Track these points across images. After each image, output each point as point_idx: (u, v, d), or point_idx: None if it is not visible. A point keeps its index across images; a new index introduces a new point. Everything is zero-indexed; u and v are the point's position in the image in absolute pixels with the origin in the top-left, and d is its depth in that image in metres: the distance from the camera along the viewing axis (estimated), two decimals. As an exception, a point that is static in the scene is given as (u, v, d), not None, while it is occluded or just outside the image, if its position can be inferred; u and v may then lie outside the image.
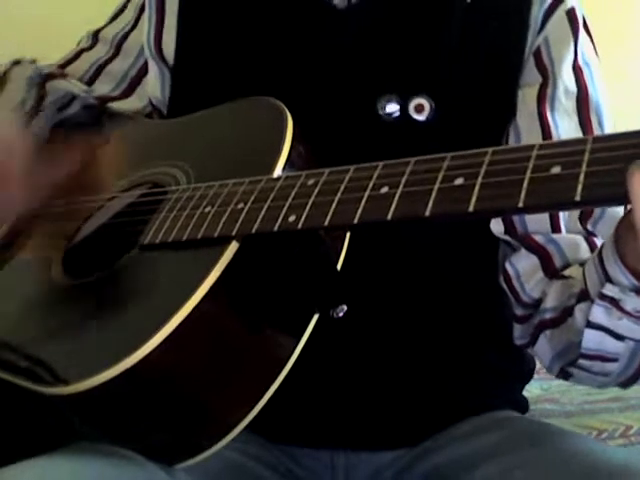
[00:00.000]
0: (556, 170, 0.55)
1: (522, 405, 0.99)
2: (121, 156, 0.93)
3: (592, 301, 0.75)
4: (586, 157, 0.54)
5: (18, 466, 0.68)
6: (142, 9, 1.02)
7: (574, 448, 0.79)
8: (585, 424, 1.32)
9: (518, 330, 0.90)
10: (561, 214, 0.87)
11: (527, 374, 1.01)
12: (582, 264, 0.81)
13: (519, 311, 0.89)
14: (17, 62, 1.07)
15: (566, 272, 0.85)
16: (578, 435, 0.92)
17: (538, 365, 1.00)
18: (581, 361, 0.79)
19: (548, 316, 0.84)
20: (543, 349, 0.86)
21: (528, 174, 0.56)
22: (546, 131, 0.88)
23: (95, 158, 0.93)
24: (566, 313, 0.81)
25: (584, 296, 0.77)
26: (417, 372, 0.90)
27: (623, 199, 0.54)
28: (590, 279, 0.76)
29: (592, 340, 0.76)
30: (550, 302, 0.84)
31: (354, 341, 0.87)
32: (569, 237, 0.87)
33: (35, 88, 1.03)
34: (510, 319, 0.92)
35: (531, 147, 0.58)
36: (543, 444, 0.81)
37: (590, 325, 0.76)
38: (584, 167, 0.54)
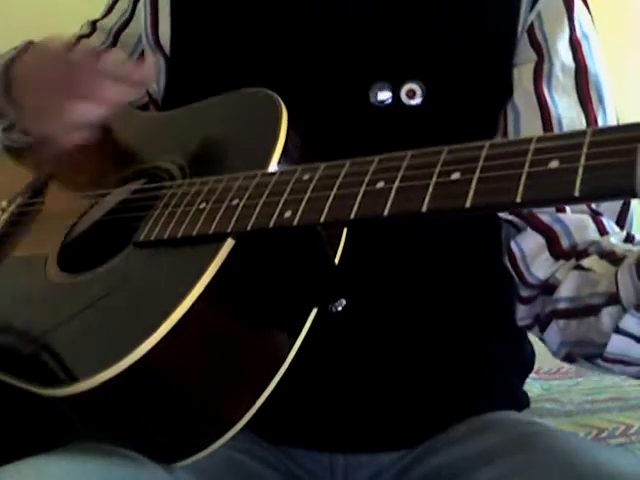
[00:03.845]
0: (554, 164, 0.54)
1: (522, 401, 0.98)
2: (116, 150, 0.93)
3: (624, 308, 0.74)
4: (585, 150, 0.53)
5: (17, 465, 0.68)
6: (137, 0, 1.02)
7: (575, 452, 0.78)
8: (585, 423, 1.32)
9: (521, 311, 0.90)
10: None
11: (526, 368, 1.01)
12: (610, 261, 0.80)
13: (524, 292, 0.89)
14: (31, 43, 1.05)
15: (585, 263, 0.83)
16: (579, 438, 0.91)
17: (538, 365, 1.00)
18: (600, 362, 0.79)
19: (562, 306, 0.83)
20: (552, 335, 0.85)
21: (526, 168, 0.55)
22: (545, 110, 0.88)
23: (90, 153, 0.93)
24: (588, 310, 0.80)
25: (614, 300, 0.76)
26: (417, 369, 0.90)
27: (623, 193, 0.53)
28: (624, 287, 0.75)
29: (618, 346, 0.76)
30: (565, 292, 0.83)
31: (353, 336, 0.87)
32: (576, 217, 0.86)
33: None
34: (508, 310, 0.92)
35: (529, 140, 0.57)
36: (543, 448, 0.80)
37: (619, 331, 0.75)
38: (583, 161, 0.53)
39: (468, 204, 0.57)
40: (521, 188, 0.55)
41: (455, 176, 0.58)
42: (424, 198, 0.59)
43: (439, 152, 0.61)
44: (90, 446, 0.72)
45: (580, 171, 0.53)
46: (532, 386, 1.35)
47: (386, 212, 0.61)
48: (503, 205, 0.59)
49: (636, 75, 1.84)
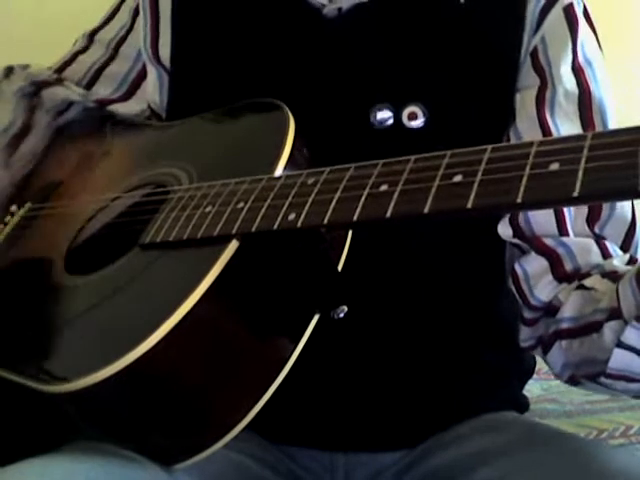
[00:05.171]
0: (555, 167, 0.55)
1: (522, 404, 0.99)
2: (124, 157, 0.93)
3: (625, 322, 0.74)
4: (585, 153, 0.54)
5: (19, 465, 0.68)
6: (136, 12, 1.01)
7: (574, 452, 0.79)
8: (585, 424, 1.32)
9: (525, 333, 0.90)
10: (567, 216, 0.87)
11: (527, 372, 1.01)
12: (612, 279, 0.80)
13: (527, 314, 0.89)
14: (9, 70, 1.06)
15: (587, 282, 0.83)
16: (578, 438, 0.92)
17: (538, 365, 1.01)
18: (604, 379, 0.79)
19: (565, 326, 0.83)
20: (555, 357, 0.85)
21: (527, 171, 0.56)
22: (547, 135, 0.87)
23: (99, 160, 0.94)
24: (590, 328, 0.80)
25: (616, 315, 0.76)
26: (417, 373, 0.90)
27: (622, 196, 0.54)
28: (625, 299, 0.75)
29: (620, 360, 0.76)
30: (568, 312, 0.83)
31: (354, 342, 0.87)
32: (580, 240, 0.86)
33: (25, 101, 1.02)
34: (510, 318, 0.92)
35: (530, 144, 0.58)
36: (542, 448, 0.80)
37: (621, 345, 0.75)
38: (583, 164, 0.54)
39: (469, 205, 0.57)
40: (522, 189, 0.56)
41: (457, 178, 0.59)
42: (426, 200, 0.60)
43: (442, 156, 0.62)
44: (91, 446, 0.72)
45: (580, 173, 0.54)
46: (532, 386, 1.34)
47: (389, 214, 0.61)
48: (504, 206, 0.59)
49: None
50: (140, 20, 1.01)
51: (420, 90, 0.88)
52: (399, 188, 0.62)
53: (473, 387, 0.93)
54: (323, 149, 0.79)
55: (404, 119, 0.87)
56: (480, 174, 0.58)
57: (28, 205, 0.97)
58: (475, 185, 0.58)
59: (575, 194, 0.53)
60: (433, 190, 0.60)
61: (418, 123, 0.87)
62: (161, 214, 0.77)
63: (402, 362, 0.90)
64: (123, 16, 1.04)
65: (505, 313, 0.94)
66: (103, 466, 0.70)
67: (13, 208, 0.96)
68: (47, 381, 0.70)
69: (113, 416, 0.71)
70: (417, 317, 0.89)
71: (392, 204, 0.61)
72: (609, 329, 0.77)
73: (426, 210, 0.59)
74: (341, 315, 0.72)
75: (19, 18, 1.54)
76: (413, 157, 0.64)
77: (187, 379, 0.68)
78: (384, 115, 0.87)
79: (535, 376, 1.03)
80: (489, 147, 0.60)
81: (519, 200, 0.55)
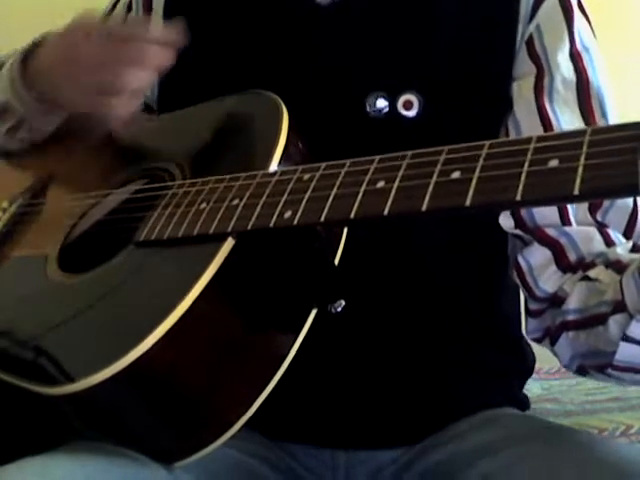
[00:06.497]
0: (554, 163, 0.54)
1: (522, 403, 0.98)
2: (116, 152, 0.93)
3: (630, 315, 0.74)
4: (584, 150, 0.54)
5: (20, 464, 0.68)
6: (129, 8, 1.02)
7: (575, 442, 0.79)
8: (585, 424, 1.32)
9: (531, 324, 0.90)
10: (569, 205, 0.86)
11: (527, 371, 1.00)
12: (616, 270, 0.80)
13: (533, 306, 0.88)
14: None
15: (591, 273, 0.83)
16: (577, 430, 0.91)
17: (538, 365, 1.00)
18: (611, 371, 0.78)
19: (571, 317, 0.83)
20: (563, 348, 0.85)
21: (525, 167, 0.55)
22: (546, 123, 0.87)
23: (90, 154, 0.93)
24: (596, 320, 0.80)
25: (620, 308, 0.76)
26: (416, 369, 0.90)
27: (622, 192, 0.53)
28: (629, 293, 0.74)
29: (627, 353, 0.75)
30: (574, 303, 0.83)
31: (353, 338, 0.87)
32: (582, 229, 0.86)
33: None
34: (510, 315, 0.92)
35: (528, 140, 0.57)
36: (542, 440, 0.80)
37: (627, 339, 0.75)
38: (582, 160, 0.53)
39: (468, 203, 0.57)
40: (521, 187, 0.55)
41: (455, 175, 0.59)
42: (424, 197, 0.59)
43: (439, 152, 0.61)
44: (92, 445, 0.72)
45: (580, 170, 0.53)
46: (532, 386, 1.35)
47: (386, 211, 0.61)
48: (503, 204, 0.59)
49: (637, 77, 1.84)
50: (132, 15, 1.01)
51: (415, 79, 0.88)
52: (396, 185, 0.61)
53: (473, 384, 0.92)
54: (319, 138, 0.79)
55: (399, 108, 0.87)
56: (478, 171, 0.58)
57: (19, 201, 0.96)
58: (473, 182, 0.57)
59: (575, 192, 0.52)
60: (431, 187, 0.59)
61: (413, 112, 0.87)
62: (155, 211, 0.76)
63: (401, 357, 0.89)
64: (118, 14, 1.04)
65: (505, 309, 0.93)
66: (103, 465, 0.70)
67: (4, 204, 0.96)
68: (45, 383, 0.69)
69: (112, 416, 0.71)
70: (416, 312, 0.89)
71: (390, 201, 0.61)
72: (614, 322, 0.76)
73: (424, 208, 0.59)
74: (339, 309, 0.72)
75: (19, 19, 1.54)
76: (410, 152, 0.63)
77: (186, 377, 0.68)
78: (380, 104, 0.87)
79: (535, 376, 1.03)
80: (487, 143, 0.59)
81: (518, 198, 0.55)
